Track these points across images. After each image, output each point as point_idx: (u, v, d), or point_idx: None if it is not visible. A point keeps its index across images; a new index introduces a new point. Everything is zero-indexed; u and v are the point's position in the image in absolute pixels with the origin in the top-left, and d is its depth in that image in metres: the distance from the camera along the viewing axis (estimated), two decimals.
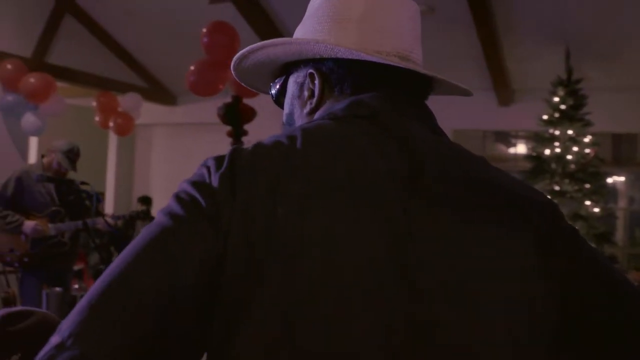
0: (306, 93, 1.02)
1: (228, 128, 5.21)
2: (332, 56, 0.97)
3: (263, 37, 6.06)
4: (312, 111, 1.02)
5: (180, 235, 0.78)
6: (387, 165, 0.85)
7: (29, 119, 6.20)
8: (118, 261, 0.78)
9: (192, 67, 5.17)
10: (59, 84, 6.57)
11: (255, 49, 1.04)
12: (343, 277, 0.76)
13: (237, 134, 5.02)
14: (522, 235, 0.85)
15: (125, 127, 7.57)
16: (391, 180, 0.84)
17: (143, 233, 0.81)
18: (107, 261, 7.41)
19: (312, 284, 0.76)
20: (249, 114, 5.02)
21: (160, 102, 8.48)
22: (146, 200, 8.28)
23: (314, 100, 1.01)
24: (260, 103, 5.24)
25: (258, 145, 0.88)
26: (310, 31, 1.02)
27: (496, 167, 0.94)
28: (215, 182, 0.82)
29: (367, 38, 0.97)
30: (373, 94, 0.95)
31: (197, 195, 0.81)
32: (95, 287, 0.75)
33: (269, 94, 1.15)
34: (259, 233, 0.77)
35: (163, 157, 9.42)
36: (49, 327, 1.00)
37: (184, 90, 7.95)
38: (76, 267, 6.10)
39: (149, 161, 9.59)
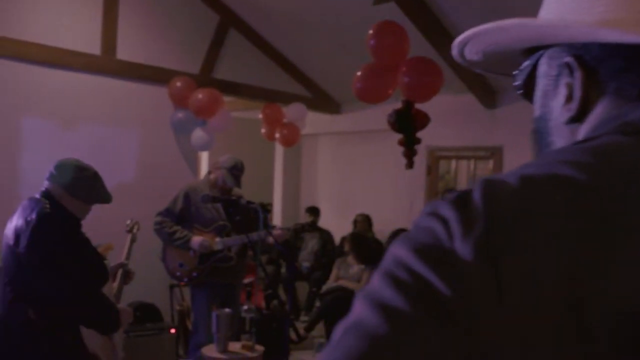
0: (563, 92, 0.64)
1: (396, 135, 4.86)
2: (596, 40, 0.58)
3: (429, 37, 5.69)
4: (573, 120, 0.63)
5: (406, 355, 0.44)
6: None
7: (197, 134, 6.28)
8: None
9: (358, 73, 4.86)
10: (226, 98, 6.61)
11: (471, 37, 0.69)
12: None
13: (409, 142, 4.64)
14: None
15: (291, 138, 7.51)
16: None
17: (338, 346, 0.47)
18: (274, 275, 7.40)
19: None
20: (422, 120, 4.62)
21: (324, 111, 8.36)
22: (314, 211, 8.19)
23: (574, 105, 0.62)
24: (433, 107, 4.86)
25: (529, 183, 0.50)
26: None
27: None
28: (465, 251, 0.45)
29: None
30: None
31: (432, 278, 0.45)
32: None
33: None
34: None
35: (329, 167, 9.31)
36: None
37: (347, 98, 7.76)
38: (247, 280, 6.09)
39: (315, 171, 9.53)
